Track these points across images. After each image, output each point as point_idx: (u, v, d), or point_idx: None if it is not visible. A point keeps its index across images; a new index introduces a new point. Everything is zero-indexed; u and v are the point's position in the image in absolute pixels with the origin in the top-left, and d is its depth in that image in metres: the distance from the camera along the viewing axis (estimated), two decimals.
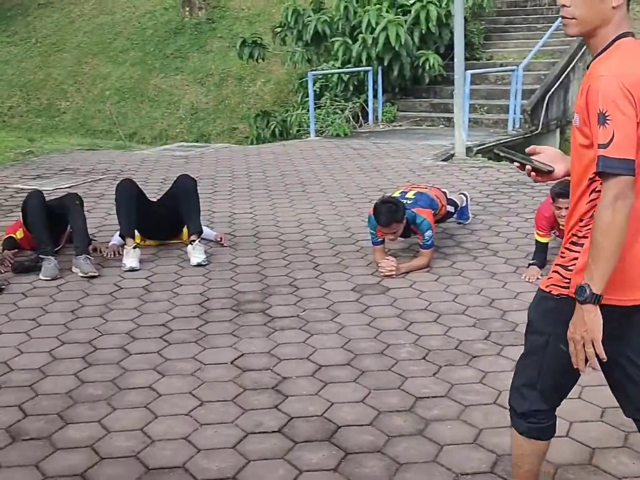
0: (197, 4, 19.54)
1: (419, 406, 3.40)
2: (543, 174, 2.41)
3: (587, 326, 2.09)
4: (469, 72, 10.51)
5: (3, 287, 4.98)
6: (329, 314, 4.52)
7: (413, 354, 3.93)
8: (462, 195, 6.36)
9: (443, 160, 9.49)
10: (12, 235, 5.69)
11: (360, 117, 12.96)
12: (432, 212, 5.39)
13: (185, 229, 5.87)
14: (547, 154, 2.46)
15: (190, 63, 17.94)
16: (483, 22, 14.58)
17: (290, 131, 13.18)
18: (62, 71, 18.77)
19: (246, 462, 2.99)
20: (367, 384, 3.62)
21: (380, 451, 3.05)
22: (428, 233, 5.20)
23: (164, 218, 5.76)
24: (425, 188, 5.76)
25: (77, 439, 3.17)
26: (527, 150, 2.50)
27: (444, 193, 5.88)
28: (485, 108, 12.50)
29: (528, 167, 2.39)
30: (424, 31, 12.82)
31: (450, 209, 5.87)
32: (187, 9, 19.60)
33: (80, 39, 19.83)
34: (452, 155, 9.72)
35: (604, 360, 2.14)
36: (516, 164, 2.41)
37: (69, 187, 7.94)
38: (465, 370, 3.76)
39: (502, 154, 2.45)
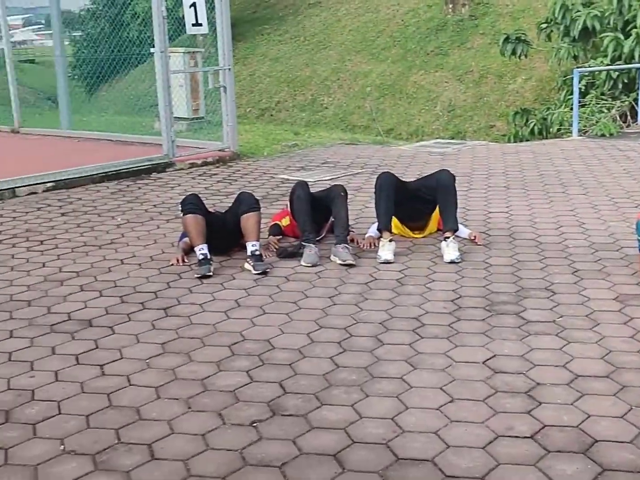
0: (461, 1, 19.48)
1: None
2: None
3: None
4: None
5: (268, 270, 5.30)
6: (588, 322, 4.31)
7: None
8: None
9: None
10: (277, 222, 6.06)
11: (629, 117, 12.22)
12: None
13: (430, 222, 5.97)
14: None
15: (450, 60, 17.94)
16: None
17: (551, 130, 12.77)
18: (326, 68, 19.59)
19: (496, 465, 2.94)
20: (629, 399, 3.41)
21: None
22: None
23: (416, 203, 5.88)
24: None
25: (332, 420, 3.29)
26: None
27: None
28: None
29: None
30: None
31: None
32: (450, 6, 19.62)
33: (344, 37, 20.57)
34: None
35: None
36: None
37: (330, 179, 8.28)
38: None
39: None
